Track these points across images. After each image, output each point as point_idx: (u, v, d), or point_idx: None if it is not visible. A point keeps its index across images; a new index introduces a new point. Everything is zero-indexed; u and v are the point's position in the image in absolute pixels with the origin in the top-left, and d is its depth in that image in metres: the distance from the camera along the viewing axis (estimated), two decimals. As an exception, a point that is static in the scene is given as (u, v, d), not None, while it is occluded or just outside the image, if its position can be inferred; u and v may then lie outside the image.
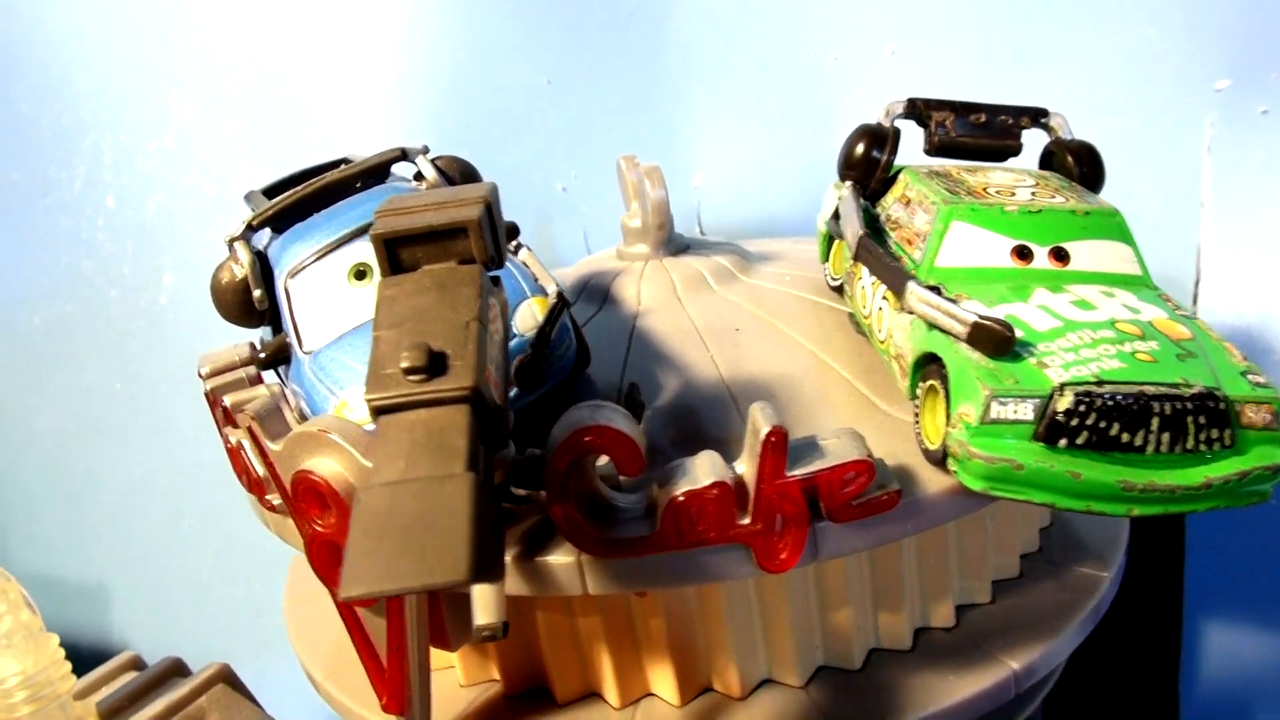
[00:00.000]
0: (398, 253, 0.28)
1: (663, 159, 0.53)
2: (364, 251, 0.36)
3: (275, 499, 0.35)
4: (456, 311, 0.26)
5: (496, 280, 0.30)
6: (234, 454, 0.38)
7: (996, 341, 0.28)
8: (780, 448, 0.28)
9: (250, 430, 0.31)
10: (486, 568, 0.22)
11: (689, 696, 0.36)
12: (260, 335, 0.40)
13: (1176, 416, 0.27)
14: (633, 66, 0.66)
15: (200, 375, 0.40)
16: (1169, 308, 0.32)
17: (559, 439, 0.29)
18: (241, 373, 0.40)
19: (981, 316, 0.29)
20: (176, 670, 0.48)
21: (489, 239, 0.28)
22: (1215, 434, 0.27)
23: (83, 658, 0.49)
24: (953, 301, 0.30)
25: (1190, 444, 0.27)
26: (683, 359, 0.39)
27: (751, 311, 0.42)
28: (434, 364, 0.25)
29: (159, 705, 0.44)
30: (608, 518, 0.30)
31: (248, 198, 0.42)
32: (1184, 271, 0.55)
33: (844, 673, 0.36)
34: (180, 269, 0.78)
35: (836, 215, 0.40)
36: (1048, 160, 0.40)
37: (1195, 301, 0.55)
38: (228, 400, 0.37)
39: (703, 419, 0.35)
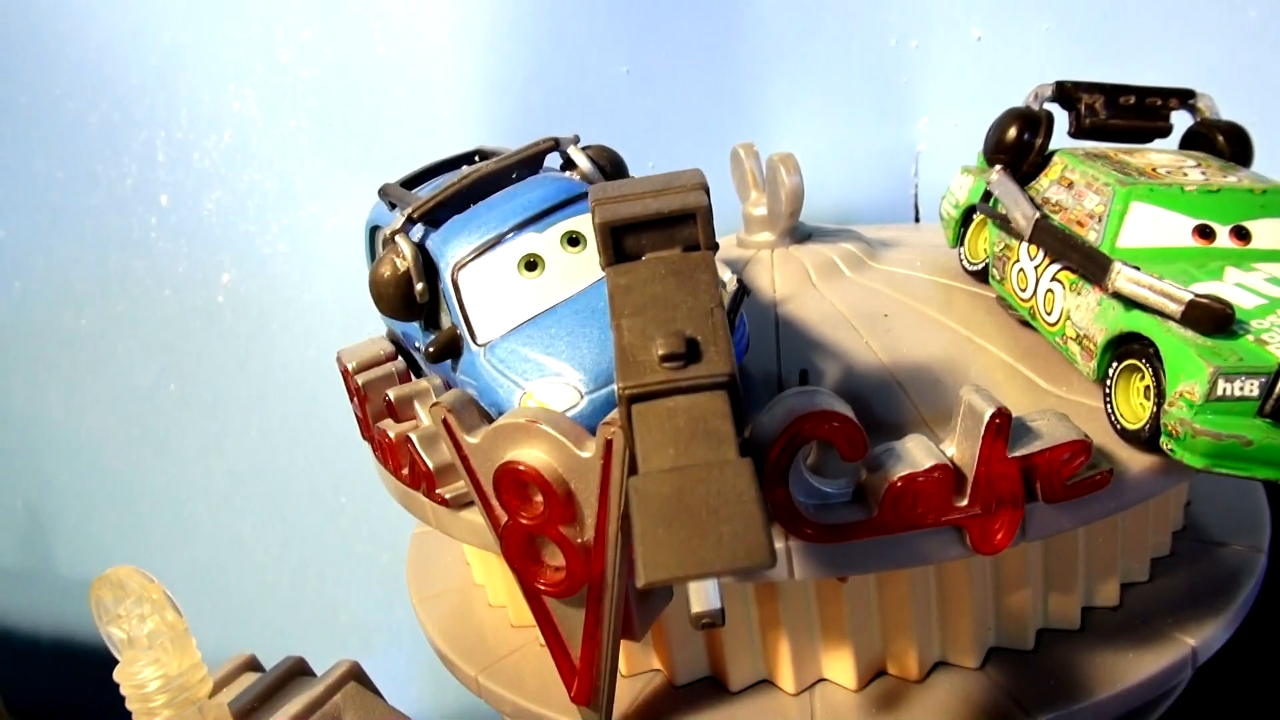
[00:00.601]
0: (622, 239, 0.27)
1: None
2: (532, 243, 0.35)
3: (448, 493, 0.35)
4: (698, 298, 0.26)
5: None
6: (392, 448, 0.37)
7: (1216, 319, 0.28)
8: (1005, 429, 0.28)
9: (445, 423, 0.31)
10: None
11: (865, 681, 0.36)
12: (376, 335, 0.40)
13: (1398, 392, 0.27)
14: (711, 55, 0.66)
15: (346, 370, 0.40)
16: (1356, 285, 0.32)
17: (777, 426, 0.29)
18: (390, 367, 0.39)
19: (1196, 295, 0.29)
20: (300, 669, 0.47)
21: (713, 225, 0.27)
22: None
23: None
24: (1159, 280, 0.30)
25: (1407, 416, 0.28)
26: (838, 345, 0.39)
27: (894, 297, 0.42)
28: (690, 351, 0.25)
29: (297, 705, 0.43)
30: (819, 503, 0.30)
31: (383, 191, 0.41)
32: None
33: (1017, 653, 0.36)
34: (239, 267, 0.77)
35: (985, 197, 0.40)
36: (1192, 140, 0.40)
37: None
38: (391, 394, 0.37)
39: (872, 405, 0.35)
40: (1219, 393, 0.28)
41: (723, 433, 0.24)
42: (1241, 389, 0.28)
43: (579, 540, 0.30)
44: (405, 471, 0.37)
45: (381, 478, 0.41)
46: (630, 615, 0.33)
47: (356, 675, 0.46)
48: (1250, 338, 0.29)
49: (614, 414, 0.28)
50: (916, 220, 0.67)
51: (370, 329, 0.74)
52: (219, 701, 0.43)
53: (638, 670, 0.38)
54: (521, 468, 0.29)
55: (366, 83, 0.69)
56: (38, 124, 0.80)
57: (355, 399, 0.40)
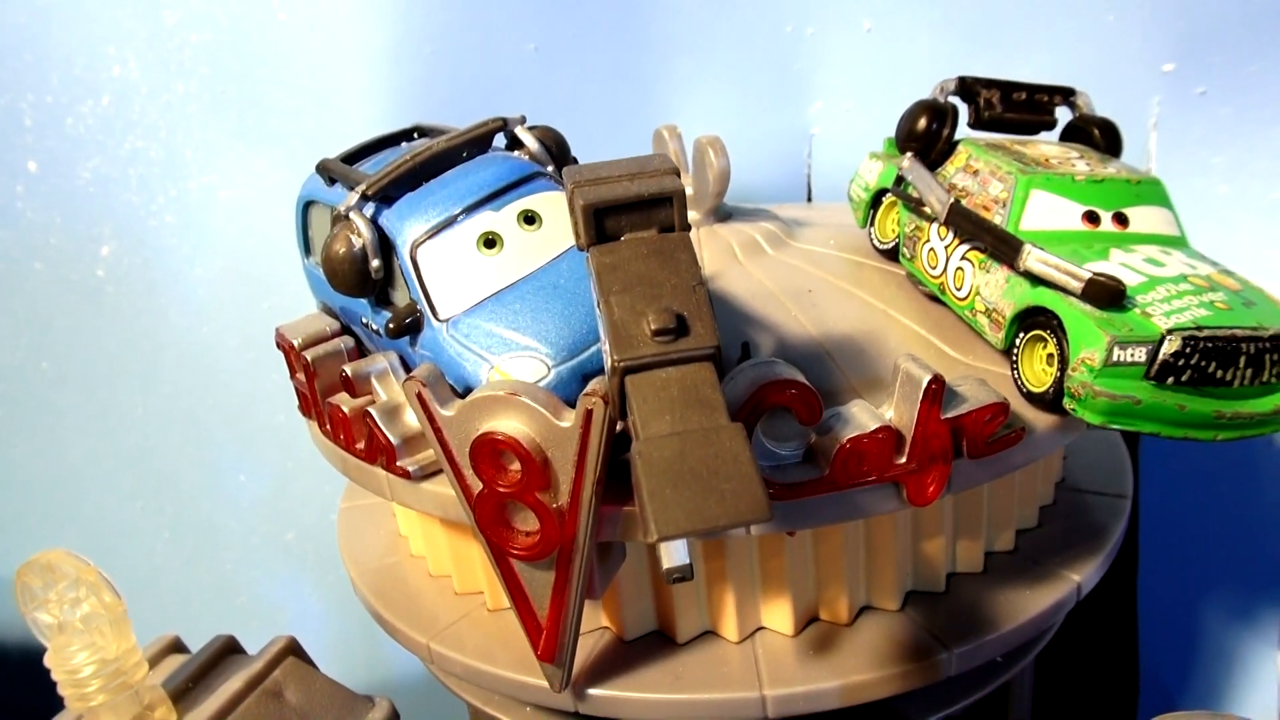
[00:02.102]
0: (603, 221, 0.29)
1: (646, 124, 0.55)
2: (490, 220, 0.36)
3: (410, 465, 0.36)
4: (681, 276, 0.28)
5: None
6: (345, 423, 0.38)
7: (1111, 294, 0.33)
8: (939, 394, 0.32)
9: (420, 396, 0.32)
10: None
11: (801, 626, 0.39)
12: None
13: (1258, 354, 0.32)
14: (617, 35, 0.67)
15: (291, 346, 0.40)
16: (1213, 263, 0.37)
17: (741, 394, 0.31)
18: (339, 343, 0.40)
19: (1095, 273, 0.33)
20: (231, 648, 0.47)
21: (686, 207, 0.30)
22: (1282, 368, 0.33)
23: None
24: (1062, 260, 0.34)
25: (1266, 377, 0.33)
26: (770, 319, 0.41)
27: (814, 273, 0.45)
28: (679, 325, 0.27)
29: (237, 682, 0.43)
30: (776, 465, 0.33)
31: (321, 167, 0.41)
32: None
33: (932, 595, 0.40)
34: (121, 239, 0.73)
35: (898, 182, 0.44)
36: (1071, 134, 0.44)
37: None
38: (348, 369, 0.37)
39: (806, 373, 0.38)
40: (1114, 359, 0.32)
41: (714, 400, 0.26)
42: (1132, 355, 0.32)
43: (554, 505, 0.32)
44: (360, 446, 0.38)
45: (326, 454, 0.41)
46: (592, 577, 0.35)
47: (294, 650, 0.46)
48: (1138, 311, 0.33)
49: (594, 385, 0.30)
50: (809, 200, 0.71)
51: (267, 305, 0.73)
52: (154, 684, 0.43)
53: (589, 628, 0.40)
54: (500, 437, 0.31)
55: (263, 50, 0.67)
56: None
57: (300, 375, 0.40)
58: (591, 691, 0.37)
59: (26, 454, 0.80)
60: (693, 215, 0.48)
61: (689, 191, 0.48)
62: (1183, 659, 0.67)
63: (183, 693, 0.44)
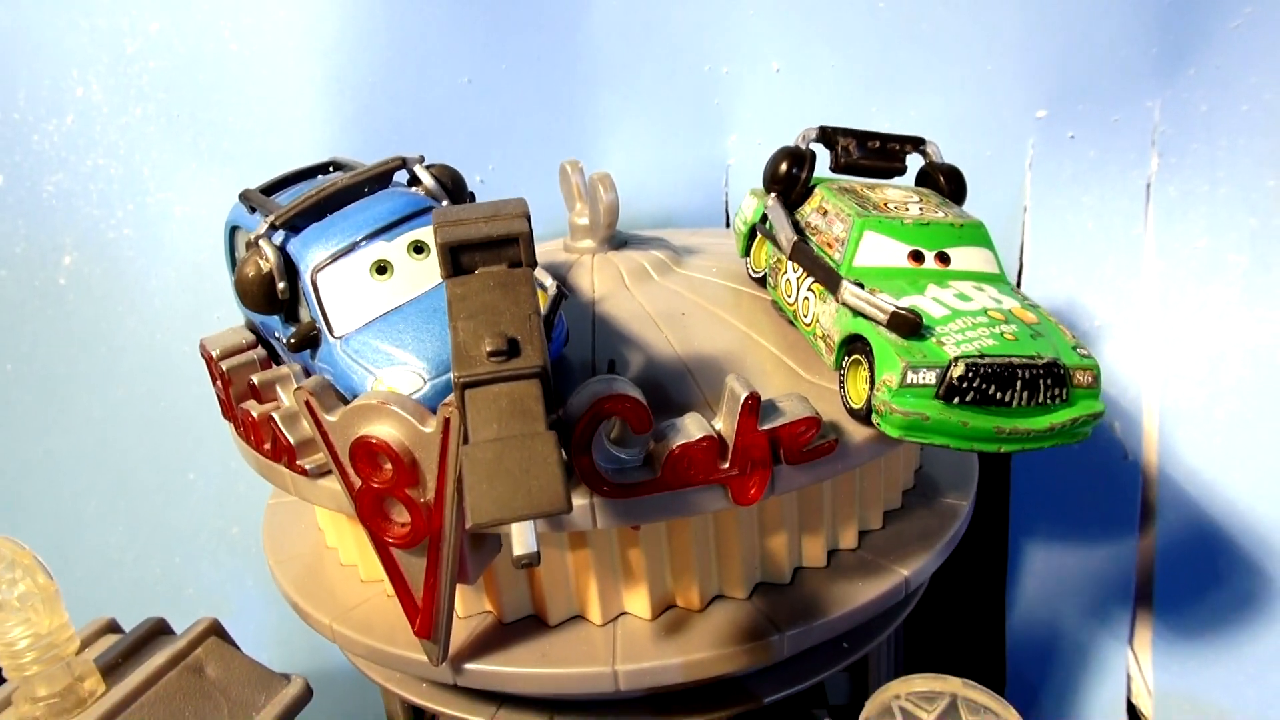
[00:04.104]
0: (459, 257, 0.34)
1: (573, 155, 0.61)
2: (383, 250, 0.41)
3: (307, 464, 0.41)
4: (519, 305, 0.33)
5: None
6: (254, 426, 0.43)
7: (909, 325, 0.38)
8: (756, 408, 0.37)
9: (308, 404, 0.37)
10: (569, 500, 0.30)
11: (658, 612, 0.44)
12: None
13: (1033, 379, 0.38)
14: (547, 69, 0.72)
15: (210, 356, 0.45)
16: (1020, 298, 0.43)
17: (583, 405, 0.36)
18: (252, 354, 0.45)
19: (897, 307, 0.38)
20: (160, 629, 0.52)
21: (533, 246, 0.35)
22: (1057, 391, 0.38)
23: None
24: (874, 295, 0.39)
25: (1041, 399, 0.38)
26: (642, 339, 0.47)
27: (692, 299, 0.50)
28: (511, 348, 0.32)
29: (160, 658, 0.48)
30: (616, 467, 0.38)
31: (243, 196, 0.46)
32: (1010, 264, 0.68)
33: (777, 587, 0.45)
34: (82, 249, 0.78)
35: (763, 219, 0.49)
36: (924, 178, 0.50)
37: (1019, 289, 0.68)
38: (255, 379, 0.42)
39: (668, 389, 0.43)
40: (908, 380, 0.37)
41: (535, 412, 0.31)
42: (923, 378, 0.37)
43: (422, 500, 0.37)
44: (267, 447, 0.42)
45: (242, 453, 0.46)
46: (464, 562, 0.40)
47: (216, 630, 0.51)
48: (934, 340, 0.38)
49: (451, 397, 0.35)
50: (727, 225, 0.76)
51: (217, 314, 0.78)
52: (86, 659, 0.47)
53: (472, 612, 0.45)
54: (374, 440, 0.36)
55: (215, 77, 0.72)
56: None
57: (219, 382, 0.45)
58: (468, 666, 0.42)
59: (-12, 450, 0.85)
60: (588, 243, 0.54)
61: (585, 222, 0.53)
62: (1044, 651, 0.72)
63: (113, 667, 0.49)
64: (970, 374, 0.37)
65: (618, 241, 0.55)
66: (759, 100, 0.72)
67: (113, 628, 0.53)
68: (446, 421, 0.35)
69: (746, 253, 0.52)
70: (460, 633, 0.44)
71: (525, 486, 0.29)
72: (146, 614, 0.55)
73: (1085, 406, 0.39)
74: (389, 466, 0.37)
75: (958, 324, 0.39)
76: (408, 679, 0.49)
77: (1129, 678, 0.70)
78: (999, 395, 0.37)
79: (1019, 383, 0.38)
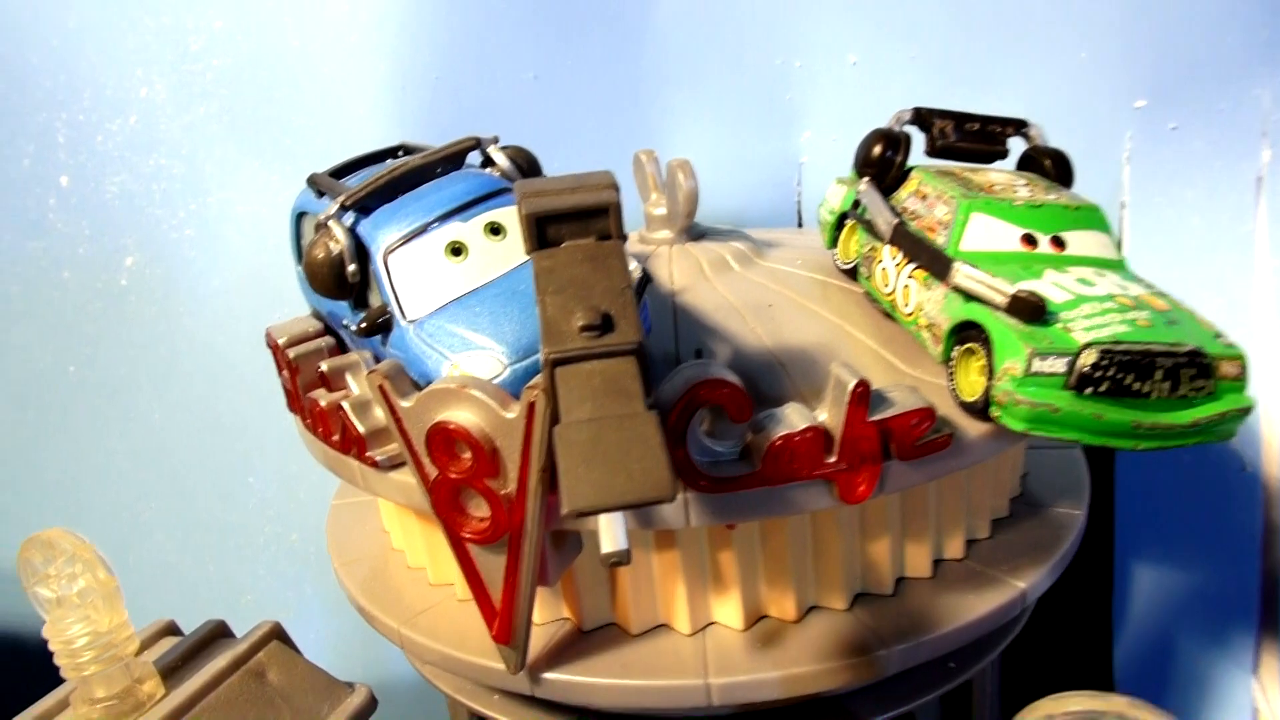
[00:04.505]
0: (545, 229, 0.32)
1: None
2: (458, 230, 0.39)
3: (378, 455, 0.38)
4: (611, 279, 0.30)
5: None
6: (323, 416, 0.40)
7: (1032, 309, 0.35)
8: (865, 397, 0.34)
9: (382, 389, 0.34)
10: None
11: (750, 622, 0.41)
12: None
13: (1174, 369, 0.34)
14: (614, 65, 0.70)
15: (277, 345, 0.43)
16: (1147, 285, 0.39)
17: (677, 392, 0.33)
18: (320, 342, 0.43)
19: (1019, 289, 0.35)
20: (221, 632, 0.50)
21: (622, 218, 0.32)
22: (1201, 384, 0.35)
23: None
24: (990, 276, 0.36)
25: (1183, 391, 0.35)
26: (728, 330, 0.44)
27: (777, 290, 0.47)
28: (605, 323, 0.29)
29: (221, 661, 0.45)
30: (712, 460, 0.35)
31: (311, 180, 0.44)
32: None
33: (880, 597, 0.42)
34: (143, 251, 0.77)
35: (855, 205, 0.46)
36: (1026, 163, 0.46)
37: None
38: (325, 366, 0.40)
39: (758, 381, 0.40)
40: (1034, 369, 0.34)
41: (633, 390, 0.28)
42: (1051, 367, 0.34)
43: (502, 492, 0.34)
44: (336, 438, 0.40)
45: (308, 446, 0.44)
46: (545, 563, 0.37)
47: (278, 634, 0.49)
48: (1060, 325, 0.35)
49: (536, 379, 0.33)
50: (800, 225, 0.73)
51: (278, 314, 0.76)
52: (146, 661, 0.45)
53: (549, 619, 0.42)
54: (452, 427, 0.33)
55: (279, 75, 0.71)
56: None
57: (285, 372, 0.43)
58: (546, 675, 0.39)
59: (50, 455, 0.84)
60: (664, 234, 0.51)
61: (662, 212, 0.51)
62: (1157, 680, 0.67)
63: (172, 670, 0.46)
64: (1105, 362, 0.34)
65: (695, 233, 0.52)
66: (834, 95, 0.69)
67: (172, 630, 0.51)
68: (531, 406, 0.32)
69: (833, 244, 0.49)
70: (536, 640, 0.41)
71: (626, 470, 0.26)
72: (204, 620, 0.53)
73: (1232, 400, 0.35)
74: (468, 455, 0.34)
75: (1084, 309, 0.36)
76: (478, 690, 0.47)
77: (1255, 710, 0.65)
78: (1136, 386, 0.34)
79: (1159, 372, 0.34)
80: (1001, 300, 0.35)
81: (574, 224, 0.32)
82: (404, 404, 0.35)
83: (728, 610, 0.41)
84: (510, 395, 0.34)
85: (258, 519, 0.78)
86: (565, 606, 0.42)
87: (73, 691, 0.44)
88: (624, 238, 0.32)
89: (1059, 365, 0.34)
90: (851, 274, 0.48)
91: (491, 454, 0.34)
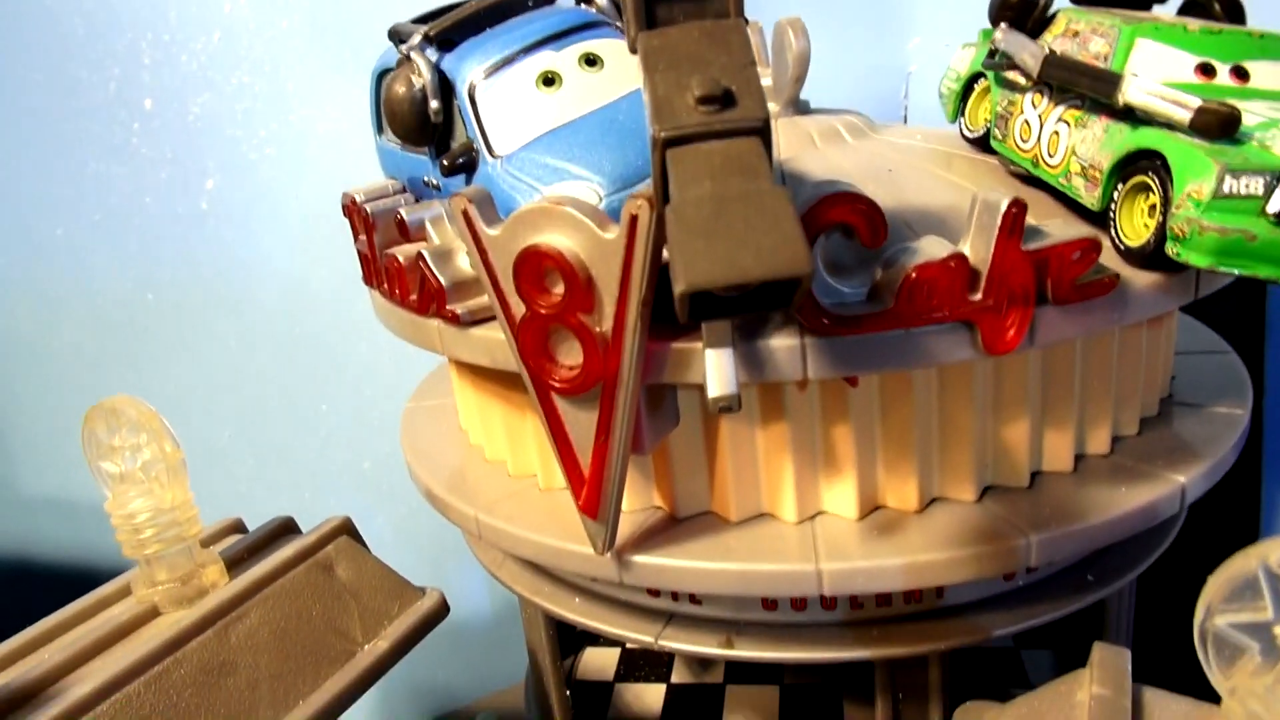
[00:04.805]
0: (654, 7, 0.28)
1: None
2: (550, 60, 0.36)
3: (459, 308, 0.35)
4: (732, 55, 0.26)
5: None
6: (400, 273, 0.37)
7: (1223, 121, 0.29)
8: (1021, 219, 0.29)
9: (465, 214, 0.31)
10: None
11: (865, 512, 0.36)
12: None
13: (1402, 191, 0.28)
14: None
15: (353, 202, 0.40)
16: (1350, 121, 0.33)
17: (799, 211, 0.29)
18: (399, 197, 0.39)
19: (1206, 100, 0.30)
20: (289, 528, 0.47)
21: None
22: None
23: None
24: (1170, 90, 0.31)
25: (1407, 221, 0.29)
26: (845, 192, 0.39)
27: (897, 158, 0.42)
28: (725, 97, 0.25)
29: (288, 551, 0.43)
30: (838, 302, 0.30)
31: (393, 31, 0.41)
32: None
33: (1013, 490, 0.37)
34: (224, 173, 0.76)
35: (991, 55, 0.41)
36: (1188, 8, 0.41)
37: None
38: (404, 213, 0.37)
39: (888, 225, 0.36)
40: (1226, 189, 0.29)
41: (759, 169, 0.24)
42: (1247, 187, 0.29)
43: (597, 329, 0.30)
44: (414, 297, 0.37)
45: (384, 317, 0.41)
46: (640, 427, 0.33)
47: (348, 529, 0.46)
48: (1255, 143, 0.30)
49: (641, 188, 0.29)
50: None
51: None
52: (210, 549, 0.43)
53: (640, 506, 0.38)
54: (544, 249, 0.30)
55: (362, -17, 0.69)
56: (17, 27, 0.78)
57: (363, 232, 0.40)
58: (636, 559, 0.35)
59: (126, 383, 0.84)
60: (771, 106, 0.46)
61: (767, 83, 0.46)
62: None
63: (237, 562, 0.44)
64: (1315, 179, 0.28)
65: (803, 109, 0.47)
66: (949, -6, 0.64)
67: (239, 528, 0.49)
68: (634, 220, 0.28)
69: (958, 115, 0.44)
70: (625, 527, 0.37)
71: (753, 244, 0.22)
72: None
73: None
74: (559, 288, 0.30)
75: (1282, 130, 0.30)
76: (558, 591, 0.43)
77: None
78: (1352, 210, 0.28)
79: (1381, 194, 0.28)
80: (1184, 115, 0.30)
81: (688, 2, 0.27)
82: (490, 232, 0.31)
83: (840, 496, 0.36)
84: (609, 218, 0.30)
85: (330, 446, 0.76)
86: (657, 492, 0.38)
87: (134, 576, 0.42)
88: (744, 18, 0.28)
89: (1256, 184, 0.28)
90: (980, 144, 0.43)
91: (586, 283, 0.30)
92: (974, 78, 0.43)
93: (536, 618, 0.46)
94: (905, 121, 0.68)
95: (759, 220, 0.22)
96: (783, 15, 0.66)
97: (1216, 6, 0.39)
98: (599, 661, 0.58)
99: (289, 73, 0.72)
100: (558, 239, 0.30)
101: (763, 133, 0.25)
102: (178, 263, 0.79)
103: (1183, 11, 0.41)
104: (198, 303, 0.79)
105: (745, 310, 0.23)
